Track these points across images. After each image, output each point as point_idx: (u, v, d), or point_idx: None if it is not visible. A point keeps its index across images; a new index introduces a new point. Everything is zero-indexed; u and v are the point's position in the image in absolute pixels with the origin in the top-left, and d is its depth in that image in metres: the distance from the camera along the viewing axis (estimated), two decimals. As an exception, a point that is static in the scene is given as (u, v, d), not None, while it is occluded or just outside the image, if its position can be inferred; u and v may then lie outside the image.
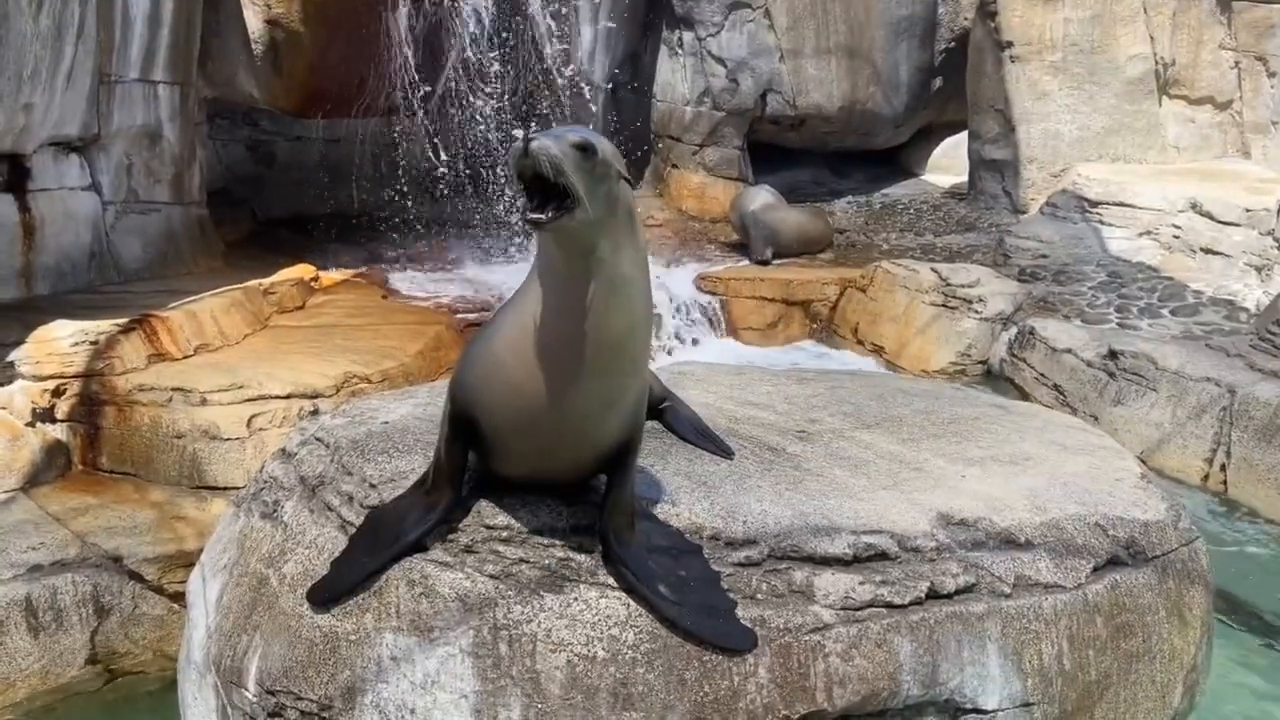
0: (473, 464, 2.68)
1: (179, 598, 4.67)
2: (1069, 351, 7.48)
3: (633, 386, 2.56)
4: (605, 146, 2.40)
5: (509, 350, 2.49)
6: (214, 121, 10.04)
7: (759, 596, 2.54)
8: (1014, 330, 8.19)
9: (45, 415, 5.62)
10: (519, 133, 2.27)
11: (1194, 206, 9.49)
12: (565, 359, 2.43)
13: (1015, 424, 3.55)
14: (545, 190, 2.27)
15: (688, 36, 11.65)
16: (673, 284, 9.62)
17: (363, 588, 2.54)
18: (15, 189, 7.21)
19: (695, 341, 9.18)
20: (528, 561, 2.55)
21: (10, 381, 5.69)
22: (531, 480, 2.67)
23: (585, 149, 2.32)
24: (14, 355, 5.74)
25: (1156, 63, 11.19)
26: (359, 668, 2.51)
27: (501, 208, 9.78)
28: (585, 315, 2.39)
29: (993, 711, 2.63)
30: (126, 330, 6.00)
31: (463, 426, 2.59)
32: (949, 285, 8.68)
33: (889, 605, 2.58)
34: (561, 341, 2.42)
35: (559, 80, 9.97)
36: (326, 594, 2.57)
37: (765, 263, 10.12)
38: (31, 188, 7.28)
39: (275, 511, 2.92)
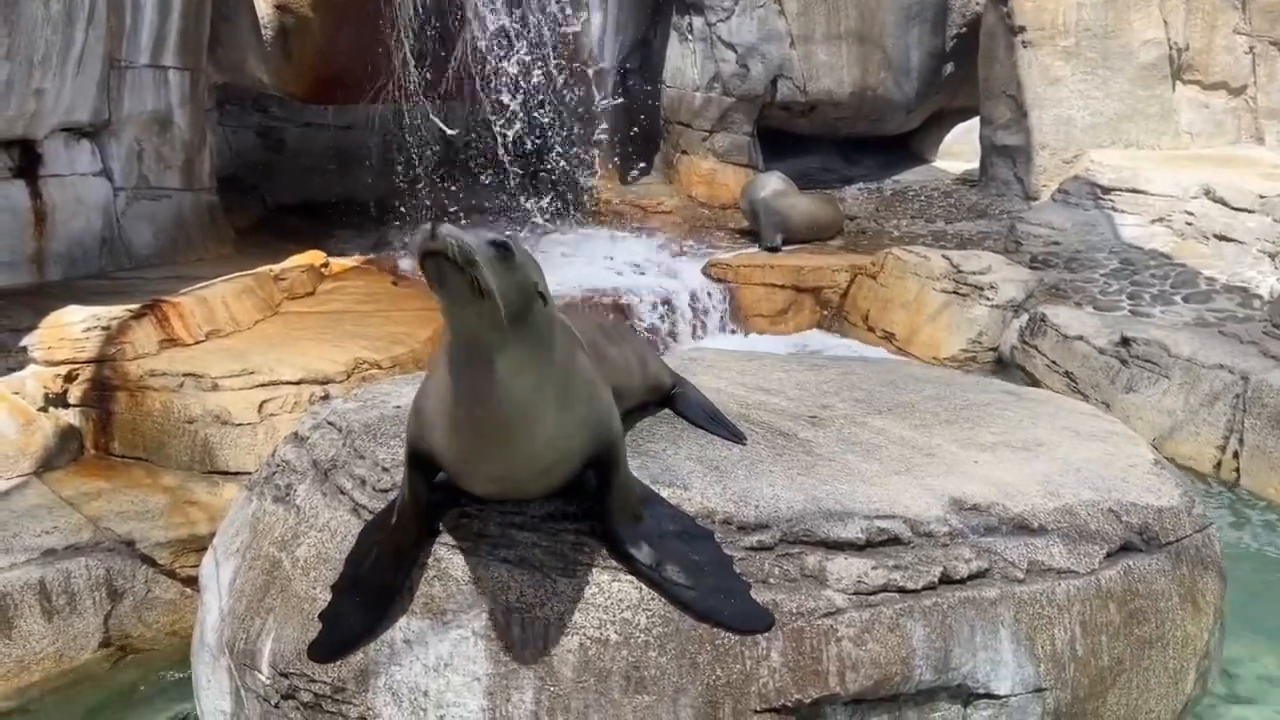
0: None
1: (191, 582, 4.69)
2: (1081, 338, 7.45)
3: (572, 429, 2.46)
4: (525, 257, 2.32)
5: (435, 412, 2.45)
6: (224, 108, 10.04)
7: (771, 581, 2.54)
8: (1025, 317, 8.15)
9: (57, 400, 5.64)
10: (427, 226, 2.15)
11: (1207, 193, 9.42)
12: (475, 433, 2.38)
13: (1028, 410, 3.54)
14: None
15: (698, 22, 11.60)
16: (682, 271, 9.61)
17: (363, 643, 2.52)
18: (27, 175, 7.23)
19: (704, 326, 9.17)
20: (540, 546, 2.55)
21: (23, 367, 5.71)
22: (505, 500, 2.65)
23: (501, 248, 2.22)
24: (26, 341, 5.75)
25: (1170, 48, 11.10)
26: (372, 650, 2.52)
27: (506, 196, 9.77)
28: (478, 417, 2.33)
29: (1005, 697, 2.63)
30: (138, 316, 6.00)
31: (421, 462, 2.56)
32: (960, 272, 8.64)
33: (902, 590, 2.57)
34: (467, 420, 2.37)
35: (569, 66, 9.94)
36: (327, 653, 2.55)
37: (775, 249, 10.09)
38: (43, 174, 7.30)
39: (288, 495, 2.93)
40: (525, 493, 2.58)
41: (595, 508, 2.59)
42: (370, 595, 2.55)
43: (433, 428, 2.48)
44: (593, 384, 2.56)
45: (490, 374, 2.28)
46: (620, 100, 11.12)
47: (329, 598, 2.62)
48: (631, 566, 2.50)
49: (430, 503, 2.61)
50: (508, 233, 2.32)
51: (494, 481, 2.52)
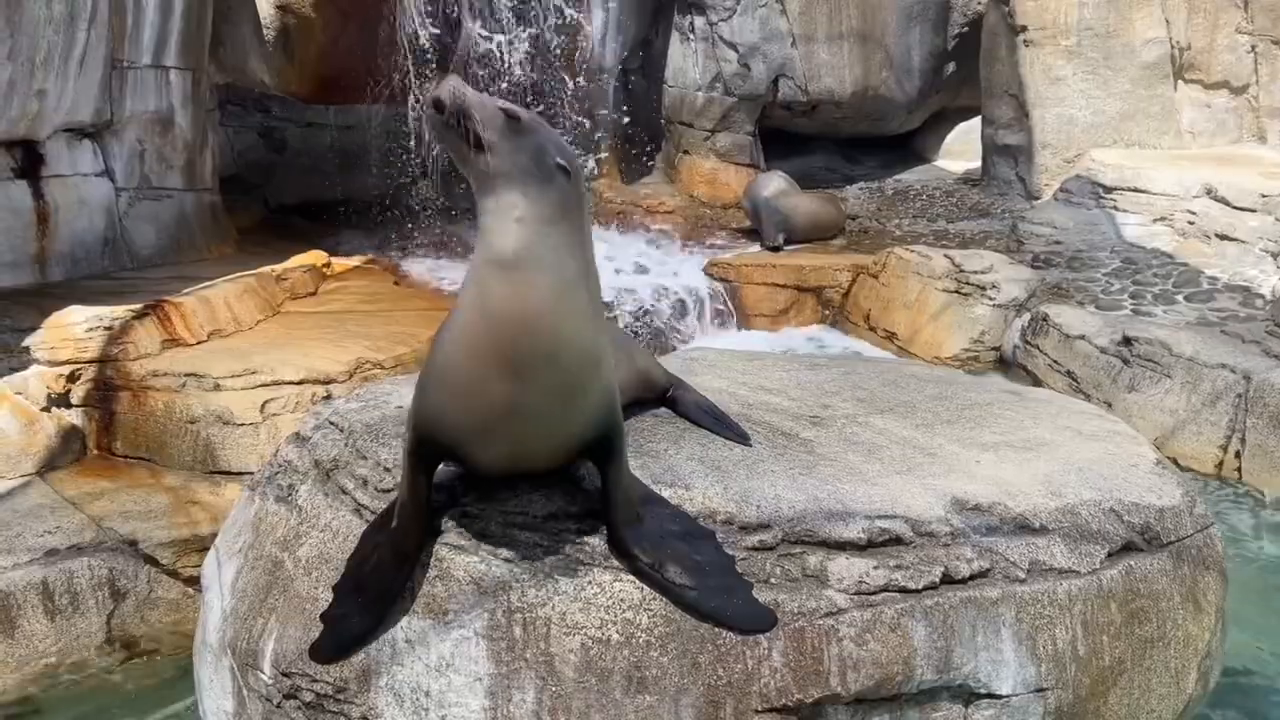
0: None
1: (194, 581, 4.69)
2: (1083, 338, 7.45)
3: (586, 383, 2.45)
4: (544, 131, 2.34)
5: (451, 360, 2.44)
6: (226, 108, 10.05)
7: (773, 581, 2.54)
8: (1027, 317, 8.15)
9: (60, 400, 5.65)
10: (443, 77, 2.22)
11: (1209, 192, 9.42)
12: (490, 357, 2.36)
13: (1029, 410, 3.54)
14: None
15: (699, 21, 11.60)
16: (684, 270, 9.61)
17: (365, 644, 2.52)
18: (29, 175, 7.24)
19: (706, 326, 9.17)
20: (542, 545, 2.55)
21: (25, 367, 5.72)
22: (512, 475, 2.63)
23: (511, 115, 2.28)
24: (29, 341, 5.76)
25: (1172, 47, 11.09)
26: (374, 650, 2.52)
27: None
28: (494, 302, 2.33)
29: (1006, 696, 2.63)
30: (140, 316, 6.01)
31: (425, 454, 2.54)
32: (962, 271, 8.64)
33: (903, 590, 2.58)
34: (482, 338, 2.36)
35: (570, 65, 9.94)
36: (331, 653, 2.54)
37: (777, 249, 10.09)
38: (45, 174, 7.31)
39: (290, 495, 2.93)
40: (535, 451, 2.53)
41: (596, 507, 2.59)
42: (372, 596, 2.56)
43: (446, 387, 2.45)
44: (610, 340, 2.56)
45: (526, 250, 2.28)
46: (624, 112, 11.11)
47: (331, 598, 2.62)
48: (633, 566, 2.50)
49: (431, 502, 2.61)
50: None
51: (504, 434, 2.46)
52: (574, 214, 2.38)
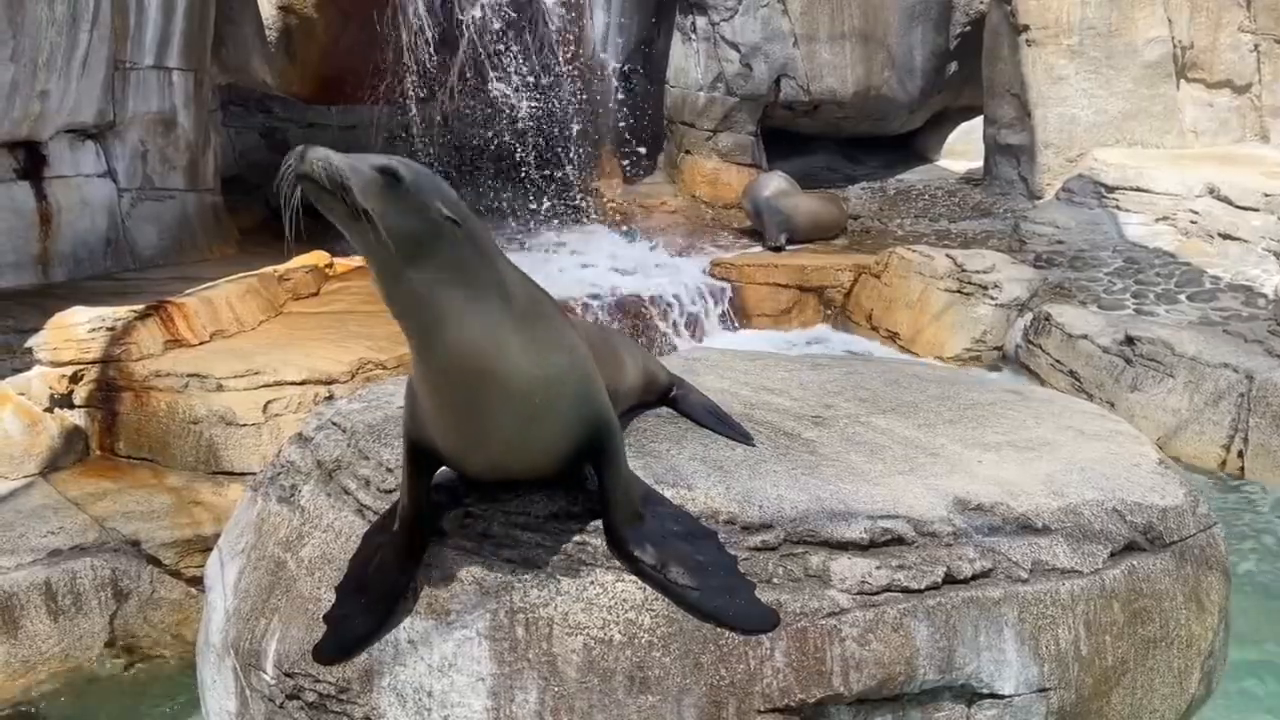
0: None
1: (196, 582, 4.70)
2: (1085, 337, 7.44)
3: (549, 404, 2.42)
4: (425, 181, 2.26)
5: (420, 391, 2.46)
6: (228, 108, 10.06)
7: (775, 581, 2.54)
8: (1029, 316, 8.15)
9: (63, 401, 5.66)
10: (300, 148, 2.14)
11: (1212, 191, 9.41)
12: (446, 405, 2.38)
13: (1032, 409, 3.54)
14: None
15: (701, 21, 11.60)
16: (686, 270, 9.61)
17: (367, 644, 2.53)
18: (32, 176, 7.26)
19: (708, 326, 9.17)
20: (544, 546, 2.55)
21: (28, 368, 5.73)
22: (506, 482, 2.64)
23: (388, 173, 2.19)
24: (32, 341, 5.77)
25: (1174, 46, 11.08)
26: (376, 651, 2.52)
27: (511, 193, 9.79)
28: (429, 365, 2.34)
29: (1009, 697, 2.62)
30: (143, 316, 6.02)
31: (420, 459, 2.54)
32: (964, 271, 8.64)
33: (905, 590, 2.57)
34: (432, 391, 2.38)
35: (572, 65, 9.95)
36: (334, 654, 2.54)
37: (779, 249, 10.09)
38: (48, 175, 7.33)
39: (292, 496, 2.93)
40: (520, 466, 2.53)
41: (598, 508, 2.59)
42: (374, 597, 2.56)
43: (422, 407, 2.47)
44: (572, 340, 2.52)
45: (433, 312, 2.25)
46: (626, 113, 11.11)
47: (333, 599, 2.62)
48: (635, 567, 2.50)
49: (432, 503, 2.61)
50: (400, 159, 2.28)
51: (484, 454, 2.48)
52: (474, 260, 2.31)
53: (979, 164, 12.26)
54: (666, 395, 3.26)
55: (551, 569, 2.51)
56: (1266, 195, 9.05)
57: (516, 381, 2.36)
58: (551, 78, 9.87)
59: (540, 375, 2.39)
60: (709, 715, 2.41)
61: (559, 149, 10.01)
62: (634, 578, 2.49)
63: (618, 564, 2.52)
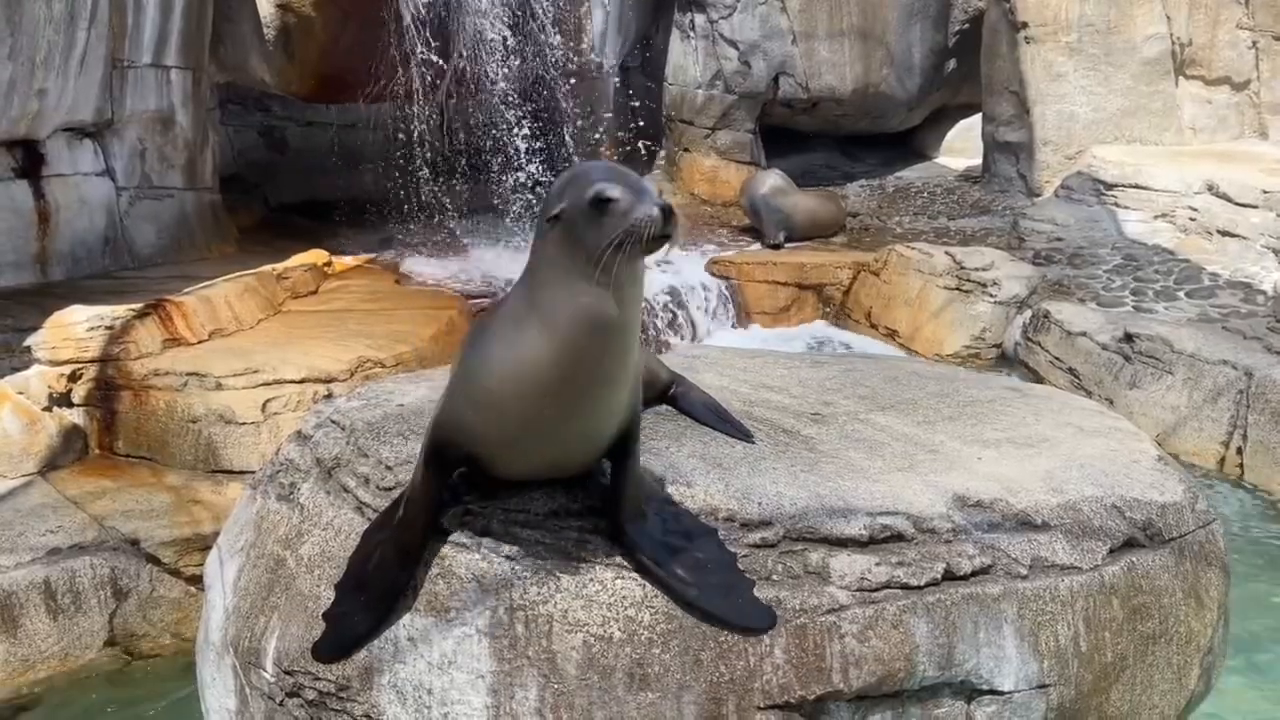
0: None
1: (196, 580, 4.70)
2: (1084, 335, 7.45)
3: (623, 400, 2.50)
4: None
5: (508, 386, 2.41)
6: (226, 107, 10.05)
7: (775, 578, 2.54)
8: (1028, 314, 8.15)
9: (62, 400, 5.65)
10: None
11: (1210, 188, 9.41)
12: (551, 400, 2.39)
13: (1031, 406, 3.54)
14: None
15: (699, 19, 11.60)
16: (685, 268, 9.60)
17: (366, 642, 2.52)
18: (30, 175, 7.25)
19: (707, 324, 9.16)
20: (544, 543, 2.55)
21: (27, 366, 5.73)
22: (532, 480, 2.63)
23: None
24: (30, 340, 5.77)
25: (1173, 43, 11.08)
26: (376, 648, 2.52)
27: (509, 190, 9.78)
28: (570, 356, 2.36)
29: (1009, 693, 2.63)
30: (142, 315, 6.02)
31: (448, 459, 2.53)
32: (963, 269, 8.64)
33: (905, 586, 2.57)
34: (548, 385, 2.37)
35: (570, 63, 9.94)
36: (333, 652, 2.53)
37: (778, 247, 10.09)
38: (46, 174, 7.32)
39: (291, 494, 2.93)
40: (574, 460, 2.57)
41: (600, 504, 2.59)
42: (374, 595, 2.55)
43: (485, 421, 2.45)
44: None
45: (623, 313, 2.36)
46: (624, 110, 11.11)
47: (333, 596, 2.62)
48: (636, 563, 2.50)
49: (442, 503, 2.60)
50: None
51: (540, 465, 2.53)
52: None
53: (978, 161, 12.26)
54: (666, 393, 3.26)
55: (551, 566, 2.51)
56: (1265, 192, 9.06)
57: (621, 382, 2.47)
58: (550, 76, 9.86)
59: (634, 373, 2.53)
60: (709, 712, 2.41)
61: (557, 147, 10.01)
62: (634, 575, 2.49)
63: (617, 561, 2.52)
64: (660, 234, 2.24)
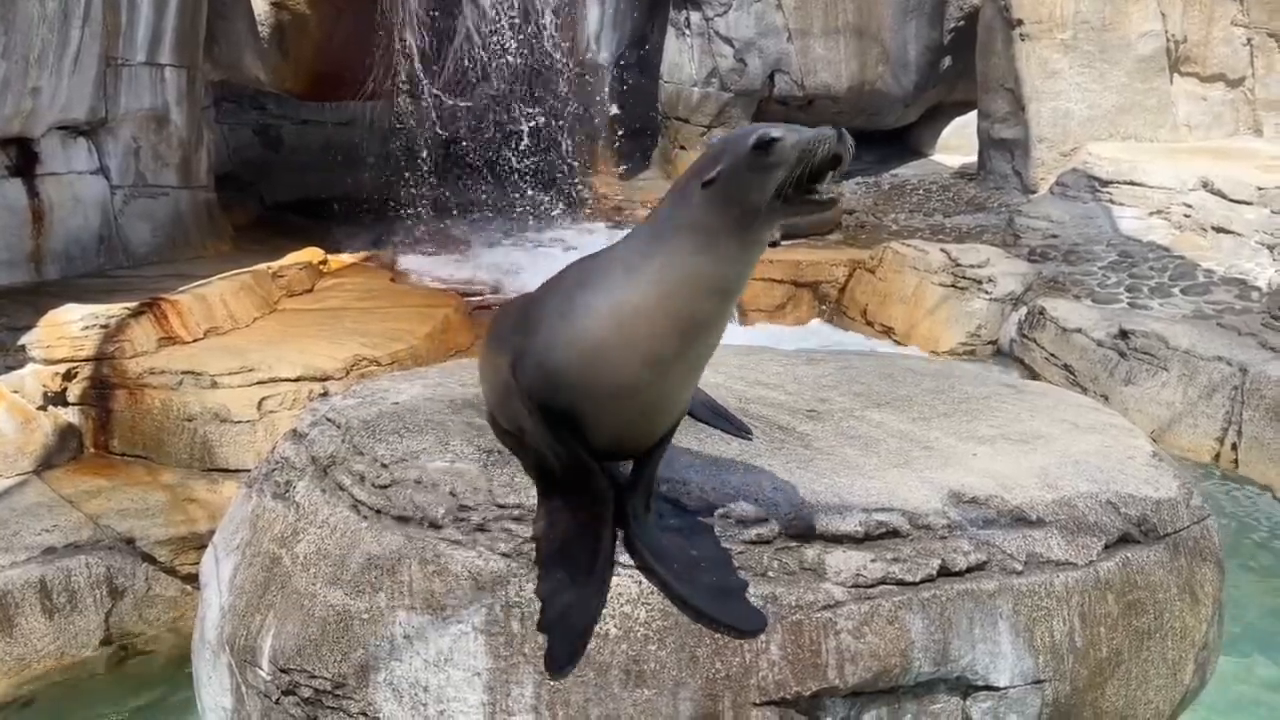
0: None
1: (191, 579, 4.70)
2: (1079, 331, 7.46)
3: (704, 368, 2.56)
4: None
5: (614, 333, 2.36)
6: (221, 105, 10.04)
7: (770, 574, 2.54)
8: (1024, 310, 8.16)
9: (57, 399, 5.65)
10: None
11: (1205, 185, 9.43)
12: (675, 340, 2.36)
13: (1026, 403, 3.54)
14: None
15: (695, 17, 11.59)
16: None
17: (595, 625, 2.43)
18: (24, 173, 7.23)
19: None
20: (539, 540, 2.55)
21: (22, 365, 5.72)
22: (601, 457, 2.56)
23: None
24: (25, 339, 5.76)
25: (1168, 40, 11.10)
26: (372, 646, 2.52)
27: (509, 186, 9.78)
28: (696, 319, 2.37)
29: (1004, 689, 2.63)
30: (136, 314, 6.01)
31: (560, 415, 2.45)
32: (958, 266, 8.65)
33: (900, 583, 2.58)
34: (678, 323, 2.35)
35: (566, 61, 9.93)
36: (568, 654, 2.39)
37: (773, 244, 10.09)
38: (40, 172, 7.30)
39: (287, 492, 2.93)
40: (644, 438, 2.53)
41: (620, 485, 2.57)
42: (584, 571, 2.43)
43: (588, 369, 2.38)
44: None
45: (737, 286, 2.42)
46: (620, 108, 11.10)
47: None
48: (639, 560, 2.50)
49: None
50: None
51: (623, 431, 2.48)
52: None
53: (973, 159, 12.27)
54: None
55: (547, 563, 2.51)
56: (1260, 189, 9.07)
57: (717, 344, 2.51)
58: (545, 73, 9.86)
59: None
60: (705, 709, 2.41)
61: (553, 145, 10.01)
62: (630, 572, 2.49)
63: (614, 558, 2.52)
64: (834, 152, 2.22)
